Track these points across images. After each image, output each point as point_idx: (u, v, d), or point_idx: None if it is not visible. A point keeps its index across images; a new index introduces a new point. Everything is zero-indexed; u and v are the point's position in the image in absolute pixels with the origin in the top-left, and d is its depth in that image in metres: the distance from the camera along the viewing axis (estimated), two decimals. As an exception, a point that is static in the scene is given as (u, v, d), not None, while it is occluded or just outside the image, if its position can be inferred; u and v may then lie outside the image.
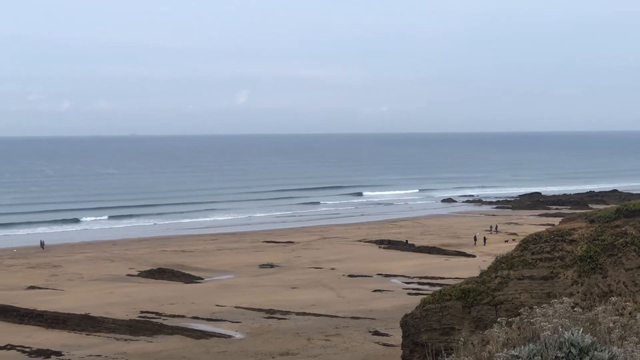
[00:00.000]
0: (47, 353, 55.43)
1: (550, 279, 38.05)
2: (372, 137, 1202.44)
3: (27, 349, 56.70)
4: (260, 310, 68.91)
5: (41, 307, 69.76)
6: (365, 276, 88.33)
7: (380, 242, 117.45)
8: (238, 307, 70.32)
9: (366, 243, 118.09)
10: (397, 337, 54.25)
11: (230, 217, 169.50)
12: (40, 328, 63.88)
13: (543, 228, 54.20)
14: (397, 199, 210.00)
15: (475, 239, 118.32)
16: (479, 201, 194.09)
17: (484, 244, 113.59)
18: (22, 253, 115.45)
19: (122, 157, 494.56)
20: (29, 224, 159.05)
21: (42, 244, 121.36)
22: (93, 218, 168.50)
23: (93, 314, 66.53)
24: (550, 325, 11.47)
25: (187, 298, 75.64)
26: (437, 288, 55.22)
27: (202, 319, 65.95)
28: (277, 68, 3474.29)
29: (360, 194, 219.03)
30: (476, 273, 42.15)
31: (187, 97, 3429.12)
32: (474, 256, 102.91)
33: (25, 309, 68.92)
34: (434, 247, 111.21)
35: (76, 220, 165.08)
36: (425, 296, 42.76)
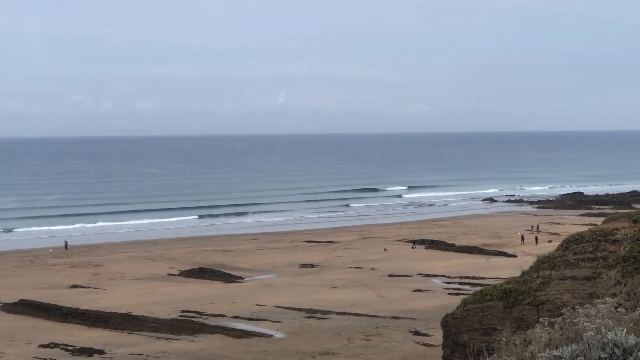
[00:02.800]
0: (90, 351, 55.89)
1: (592, 279, 37.70)
2: (412, 136, 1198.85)
3: (70, 347, 57.22)
4: (300, 309, 68.99)
5: (84, 306, 70.40)
6: (406, 276, 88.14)
7: (421, 242, 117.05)
8: (278, 307, 70.47)
9: (406, 243, 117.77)
10: (437, 337, 54.03)
11: (270, 217, 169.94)
12: (83, 327, 64.44)
13: (585, 228, 53.72)
14: (438, 199, 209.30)
15: (522, 238, 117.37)
16: (519, 201, 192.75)
17: (536, 243, 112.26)
18: (66, 252, 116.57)
19: (164, 157, 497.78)
20: (71, 222, 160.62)
21: (65, 245, 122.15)
22: (134, 218, 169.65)
23: (135, 313, 66.99)
24: (593, 326, 11.37)
25: (228, 297, 75.92)
26: (478, 288, 54.89)
27: (243, 318, 66.15)
28: (317, 67, 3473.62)
29: (400, 195, 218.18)
30: (517, 273, 41.87)
31: (228, 97, 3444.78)
32: (515, 256, 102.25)
33: (68, 308, 69.58)
34: (475, 247, 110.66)
35: (118, 220, 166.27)
36: (466, 296, 42.58)
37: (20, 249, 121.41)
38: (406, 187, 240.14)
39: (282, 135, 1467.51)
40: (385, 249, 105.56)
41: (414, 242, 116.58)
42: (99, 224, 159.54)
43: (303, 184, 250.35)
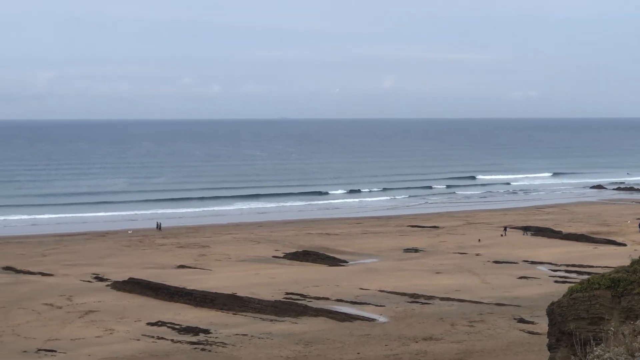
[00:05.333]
0: (196, 330, 56.79)
1: None
2: (521, 122, 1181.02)
3: (177, 326, 58.25)
4: (404, 294, 68.77)
5: (190, 286, 71.56)
6: (511, 262, 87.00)
7: (527, 229, 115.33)
8: (382, 291, 70.38)
9: (512, 229, 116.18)
10: (542, 325, 53.15)
11: (375, 201, 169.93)
12: (189, 306, 65.51)
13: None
14: (545, 185, 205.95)
15: None
16: (630, 188, 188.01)
17: None
18: (172, 233, 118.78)
19: (271, 140, 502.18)
20: (178, 203, 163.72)
21: (158, 226, 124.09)
22: (240, 201, 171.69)
23: (239, 294, 67.77)
24: None
25: (332, 281, 76.17)
26: (585, 276, 53.80)
27: (346, 301, 66.28)
28: (424, 51, 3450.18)
29: (507, 183, 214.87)
30: (627, 262, 40.81)
31: (334, 81, 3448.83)
32: (624, 245, 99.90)
33: (175, 287, 70.84)
34: (582, 234, 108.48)
35: (222, 202, 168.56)
36: (572, 284, 41.75)
37: (129, 228, 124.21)
38: (512, 173, 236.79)
39: (388, 120, 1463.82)
40: (479, 240, 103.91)
41: (525, 228, 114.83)
42: (205, 205, 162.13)
43: (409, 169, 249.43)
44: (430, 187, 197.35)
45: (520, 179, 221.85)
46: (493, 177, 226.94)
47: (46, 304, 66.24)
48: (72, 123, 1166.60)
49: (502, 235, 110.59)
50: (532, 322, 57.35)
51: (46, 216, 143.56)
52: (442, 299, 66.65)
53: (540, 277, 78.03)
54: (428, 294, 68.21)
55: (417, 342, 52.92)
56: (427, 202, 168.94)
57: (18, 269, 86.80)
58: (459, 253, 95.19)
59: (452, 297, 67.35)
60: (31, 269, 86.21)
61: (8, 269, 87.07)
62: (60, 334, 56.04)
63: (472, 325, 56.98)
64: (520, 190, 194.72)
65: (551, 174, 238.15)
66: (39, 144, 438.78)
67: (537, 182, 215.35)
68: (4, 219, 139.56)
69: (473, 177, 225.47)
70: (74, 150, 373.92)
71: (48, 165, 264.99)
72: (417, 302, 65.53)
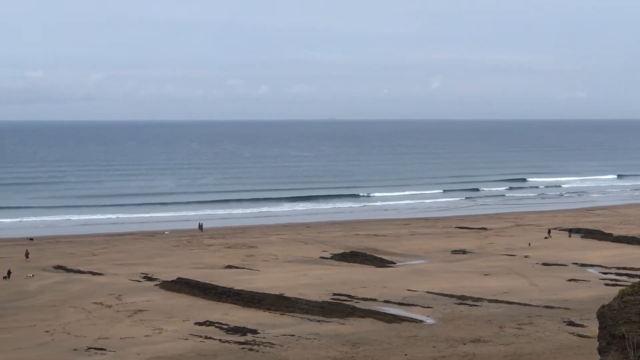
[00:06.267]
0: (244, 330, 56.97)
1: None
2: (569, 123, 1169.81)
3: (225, 326, 58.49)
4: (451, 296, 68.45)
5: (238, 286, 71.83)
6: (560, 265, 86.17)
7: (572, 231, 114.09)
8: (430, 292, 70.11)
9: (560, 231, 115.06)
10: (592, 328, 52.62)
11: (423, 203, 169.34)
12: (237, 306, 65.74)
13: None
14: (594, 187, 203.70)
15: None
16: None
17: None
18: (220, 233, 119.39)
19: (319, 141, 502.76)
20: (225, 204, 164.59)
21: (200, 227, 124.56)
22: (287, 202, 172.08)
23: (287, 294, 67.89)
24: None
25: (379, 282, 76.02)
26: (637, 279, 53.22)
27: (394, 303, 66.10)
28: (472, 53, 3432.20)
29: (557, 185, 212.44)
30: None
31: (382, 82, 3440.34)
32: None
33: (223, 288, 71.15)
34: (634, 237, 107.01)
35: (269, 203, 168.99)
36: (623, 287, 41.25)
37: (166, 229, 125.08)
38: (561, 175, 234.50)
39: (436, 121, 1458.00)
40: (529, 244, 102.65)
41: (570, 230, 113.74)
42: (248, 206, 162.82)
43: (457, 170, 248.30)
44: (478, 189, 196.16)
45: (571, 181, 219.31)
46: (544, 179, 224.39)
47: (96, 303, 66.94)
48: (121, 124, 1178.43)
49: (546, 237, 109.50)
50: (581, 325, 56.80)
51: (96, 216, 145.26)
52: (490, 301, 66.23)
53: (590, 279, 77.23)
54: (476, 296, 67.82)
55: (465, 344, 52.65)
56: (475, 204, 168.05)
57: (69, 268, 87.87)
58: (507, 255, 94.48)
59: (500, 299, 66.90)
60: (81, 268, 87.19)
61: (59, 268, 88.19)
62: (109, 333, 56.59)
63: (520, 328, 56.56)
64: (570, 191, 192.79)
65: (601, 175, 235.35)
66: (88, 144, 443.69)
67: (586, 184, 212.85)
68: (55, 219, 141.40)
69: (523, 180, 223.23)
70: (123, 151, 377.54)
71: (97, 166, 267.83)
72: (465, 304, 65.19)
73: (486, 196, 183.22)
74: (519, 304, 64.92)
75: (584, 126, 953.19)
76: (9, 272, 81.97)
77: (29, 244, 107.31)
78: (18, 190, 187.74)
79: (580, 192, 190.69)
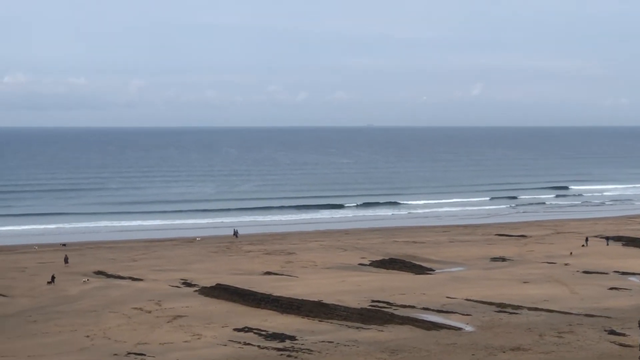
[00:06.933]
0: (282, 337, 57.01)
1: None
2: (612, 130, 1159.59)
3: (264, 332, 58.58)
4: (491, 303, 68.06)
5: (276, 293, 71.94)
6: (601, 273, 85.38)
7: (618, 239, 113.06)
8: (469, 300, 69.78)
9: (601, 239, 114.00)
10: (634, 337, 52.20)
11: (462, 210, 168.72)
12: (276, 312, 65.81)
13: None
14: (638, 195, 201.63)
15: None
16: None
17: None
18: (259, 240, 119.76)
19: (358, 147, 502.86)
20: (264, 210, 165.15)
21: (235, 233, 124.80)
22: (323, 208, 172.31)
23: (326, 301, 67.87)
24: None
25: (418, 289, 75.80)
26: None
27: (433, 310, 65.85)
28: (513, 59, 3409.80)
29: (600, 193, 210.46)
30: None
31: (421, 89, 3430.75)
32: None
33: (262, 294, 71.27)
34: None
35: (308, 210, 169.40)
36: (665, 296, 40.82)
37: (209, 235, 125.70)
38: (603, 183, 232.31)
39: (476, 128, 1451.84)
40: (571, 253, 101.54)
41: (608, 238, 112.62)
42: (289, 213, 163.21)
43: (497, 178, 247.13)
44: (518, 197, 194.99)
45: (613, 189, 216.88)
46: (586, 187, 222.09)
47: (136, 308, 67.38)
48: (161, 130, 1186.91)
49: (583, 245, 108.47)
50: (623, 334, 56.19)
51: (136, 223, 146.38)
52: (530, 308, 65.76)
53: (632, 288, 76.40)
54: (515, 304, 67.38)
55: (504, 352, 52.32)
56: (515, 211, 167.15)
57: (109, 273, 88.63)
58: (547, 262, 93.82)
59: (540, 307, 66.40)
60: (121, 274, 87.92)
61: (99, 273, 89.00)
62: (149, 338, 56.93)
63: (560, 336, 56.10)
64: (613, 200, 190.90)
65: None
66: (129, 151, 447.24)
67: (631, 192, 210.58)
68: (96, 225, 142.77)
69: (565, 187, 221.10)
70: (163, 157, 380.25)
71: (138, 172, 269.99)
72: (505, 312, 64.79)
73: (526, 204, 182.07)
74: (559, 312, 64.40)
75: (627, 133, 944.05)
76: (53, 277, 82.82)
77: (65, 250, 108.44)
78: (60, 197, 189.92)
79: (622, 200, 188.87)
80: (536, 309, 65.47)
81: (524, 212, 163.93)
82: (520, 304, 67.14)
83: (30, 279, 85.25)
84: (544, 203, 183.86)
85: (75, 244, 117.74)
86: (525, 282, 79.32)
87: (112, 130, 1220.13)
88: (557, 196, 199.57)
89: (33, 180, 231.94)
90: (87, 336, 58.06)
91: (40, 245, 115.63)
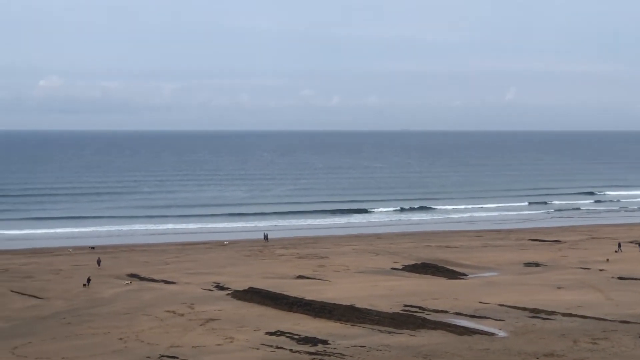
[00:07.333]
0: (314, 341, 56.96)
1: None
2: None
3: (296, 336, 58.57)
4: (524, 309, 67.59)
5: (309, 297, 71.91)
6: (637, 279, 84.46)
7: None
8: (502, 305, 69.35)
9: (635, 245, 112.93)
10: (670, 344, 51.65)
11: (495, 215, 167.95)
12: (308, 316, 65.77)
13: None
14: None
15: None
16: None
17: None
18: (292, 243, 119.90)
19: (391, 152, 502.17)
20: (296, 214, 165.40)
21: (265, 237, 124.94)
22: (359, 212, 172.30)
23: (358, 305, 67.75)
24: None
25: (450, 294, 75.47)
26: None
27: (465, 315, 65.52)
28: (546, 64, 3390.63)
29: (636, 196, 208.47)
30: None
31: (454, 93, 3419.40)
32: None
33: (294, 298, 71.28)
34: None
35: (340, 213, 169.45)
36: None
37: (239, 239, 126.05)
38: (639, 189, 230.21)
39: (509, 132, 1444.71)
40: (607, 260, 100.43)
41: (619, 244, 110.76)
42: (322, 217, 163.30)
43: (530, 183, 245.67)
44: (552, 202, 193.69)
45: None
46: (621, 192, 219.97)
47: (168, 311, 67.64)
48: (194, 134, 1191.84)
49: (616, 251, 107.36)
50: (658, 341, 55.61)
51: (168, 226, 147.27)
52: (563, 314, 65.25)
53: (667, 294, 75.60)
54: (549, 309, 66.88)
55: (538, 358, 51.97)
56: (549, 216, 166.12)
57: (142, 276, 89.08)
58: (581, 268, 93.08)
59: (574, 313, 65.86)
60: (154, 277, 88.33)
61: (133, 276, 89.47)
62: (181, 341, 57.11)
63: (595, 343, 55.61)
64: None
65: None
66: (162, 154, 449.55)
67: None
68: (129, 229, 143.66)
69: (600, 192, 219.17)
70: (196, 160, 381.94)
71: (170, 176, 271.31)
72: (538, 317, 64.33)
73: (561, 209, 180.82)
74: (594, 318, 63.84)
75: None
76: (89, 280, 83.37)
77: (95, 252, 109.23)
78: (94, 200, 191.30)
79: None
80: (570, 315, 64.95)
81: (559, 218, 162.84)
82: (554, 310, 66.64)
83: (64, 281, 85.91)
84: (578, 208, 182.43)
85: (109, 246, 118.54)
86: (559, 288, 78.75)
87: (145, 133, 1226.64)
88: (593, 202, 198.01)
89: (68, 183, 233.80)
90: (121, 339, 58.35)
91: (75, 248, 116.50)
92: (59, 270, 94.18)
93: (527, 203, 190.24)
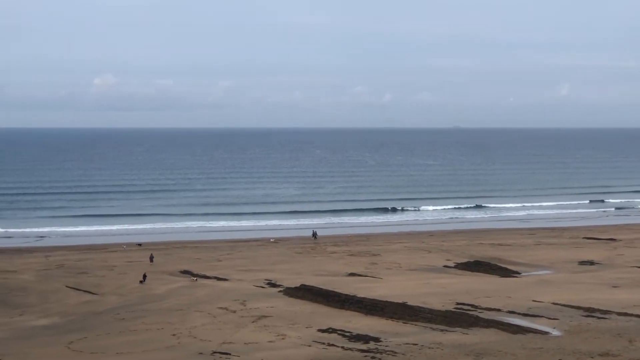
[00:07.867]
0: (366, 338, 56.86)
1: None
2: None
3: (347, 334, 58.51)
4: (578, 308, 66.83)
5: (360, 294, 71.80)
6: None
7: None
8: (555, 304, 68.63)
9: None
10: None
11: (549, 211, 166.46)
12: (360, 314, 65.68)
13: None
14: None
15: None
16: None
17: None
18: (344, 240, 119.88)
19: (443, 149, 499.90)
20: (348, 212, 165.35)
21: (314, 234, 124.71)
22: (411, 210, 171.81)
23: (410, 303, 67.49)
24: None
25: (503, 292, 74.87)
26: None
27: (518, 313, 64.95)
28: (601, 59, 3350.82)
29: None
30: None
31: (507, 90, 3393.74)
32: None
33: (346, 295, 71.21)
34: None
35: (392, 211, 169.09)
36: None
37: (271, 237, 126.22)
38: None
39: (565, 129, 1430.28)
40: None
41: None
42: (375, 214, 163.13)
43: (585, 180, 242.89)
44: (607, 200, 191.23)
45: None
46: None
47: (221, 308, 67.95)
48: (247, 131, 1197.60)
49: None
50: None
51: (221, 223, 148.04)
52: (619, 314, 64.38)
53: None
54: (604, 309, 66.02)
55: (592, 357, 51.35)
56: (604, 214, 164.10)
57: (195, 273, 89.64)
58: (637, 267, 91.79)
59: (630, 312, 64.95)
60: (207, 274, 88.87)
61: (186, 272, 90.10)
62: (234, 338, 57.33)
63: (651, 343, 54.80)
64: None
65: None
66: (215, 152, 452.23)
67: None
68: (183, 225, 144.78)
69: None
70: (249, 157, 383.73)
71: (223, 173, 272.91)
72: (593, 317, 63.56)
73: (617, 207, 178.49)
74: (650, 317, 62.93)
75: None
76: (145, 276, 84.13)
77: (144, 249, 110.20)
78: (148, 197, 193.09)
79: None
80: (626, 314, 64.07)
81: (615, 216, 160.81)
82: (609, 309, 65.78)
83: (118, 277, 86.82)
84: (634, 207, 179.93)
85: (161, 243, 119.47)
86: (614, 287, 77.73)
87: (199, 131, 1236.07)
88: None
89: (122, 181, 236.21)
90: (174, 334, 58.77)
91: (128, 245, 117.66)
92: (113, 266, 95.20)
93: (581, 200, 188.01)
